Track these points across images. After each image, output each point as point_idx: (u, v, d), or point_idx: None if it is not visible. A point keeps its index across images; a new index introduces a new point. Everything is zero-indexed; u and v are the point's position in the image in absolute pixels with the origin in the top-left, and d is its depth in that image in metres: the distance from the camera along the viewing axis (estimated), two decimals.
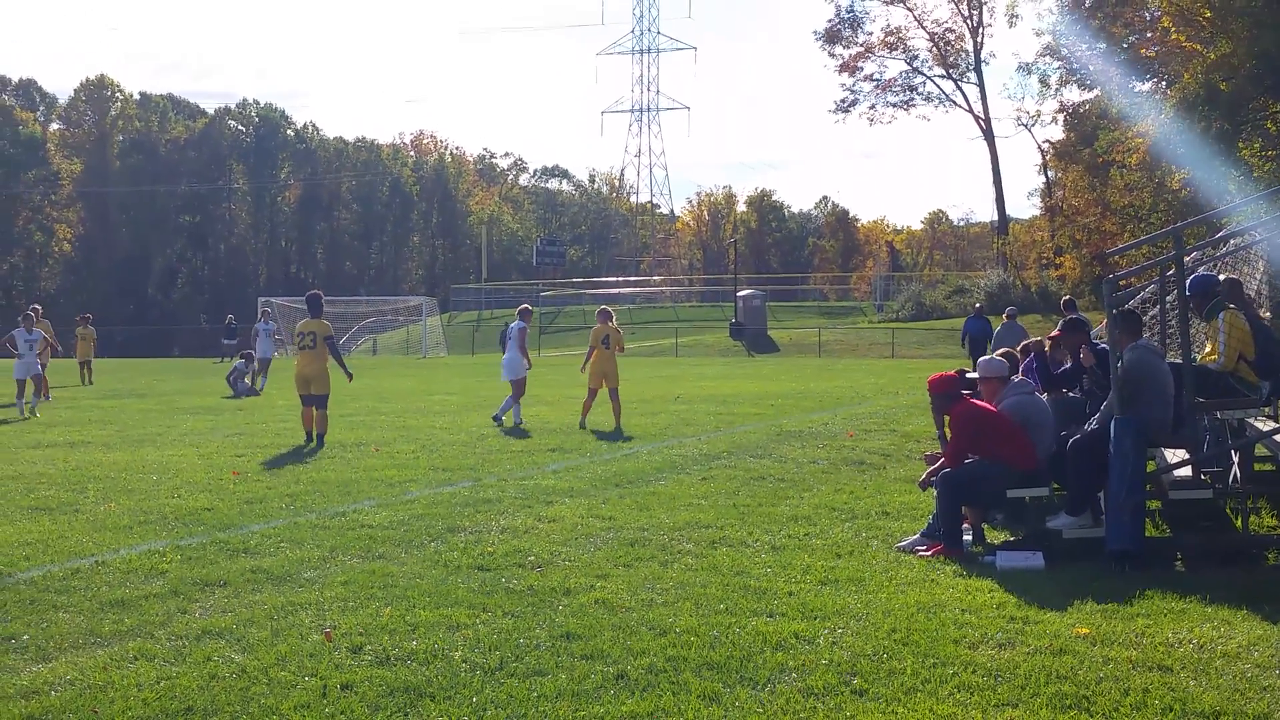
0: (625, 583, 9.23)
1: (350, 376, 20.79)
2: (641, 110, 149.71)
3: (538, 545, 10.70)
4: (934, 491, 10.90)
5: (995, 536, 11.32)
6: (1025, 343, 15.41)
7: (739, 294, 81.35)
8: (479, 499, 13.31)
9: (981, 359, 12.50)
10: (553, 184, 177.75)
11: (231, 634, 7.81)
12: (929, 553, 10.35)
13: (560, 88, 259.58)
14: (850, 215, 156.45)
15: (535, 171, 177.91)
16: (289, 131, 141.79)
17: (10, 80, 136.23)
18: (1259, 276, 15.79)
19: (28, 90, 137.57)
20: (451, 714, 6.32)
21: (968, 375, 13.10)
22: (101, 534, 11.32)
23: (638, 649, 7.42)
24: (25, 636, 7.73)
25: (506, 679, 6.89)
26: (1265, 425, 11.83)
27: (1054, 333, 13.97)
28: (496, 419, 22.13)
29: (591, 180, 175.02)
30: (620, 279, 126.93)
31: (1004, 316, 30.12)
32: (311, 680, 6.86)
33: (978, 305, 44.25)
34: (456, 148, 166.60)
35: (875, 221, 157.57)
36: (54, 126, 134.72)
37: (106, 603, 8.59)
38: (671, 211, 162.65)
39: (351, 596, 8.79)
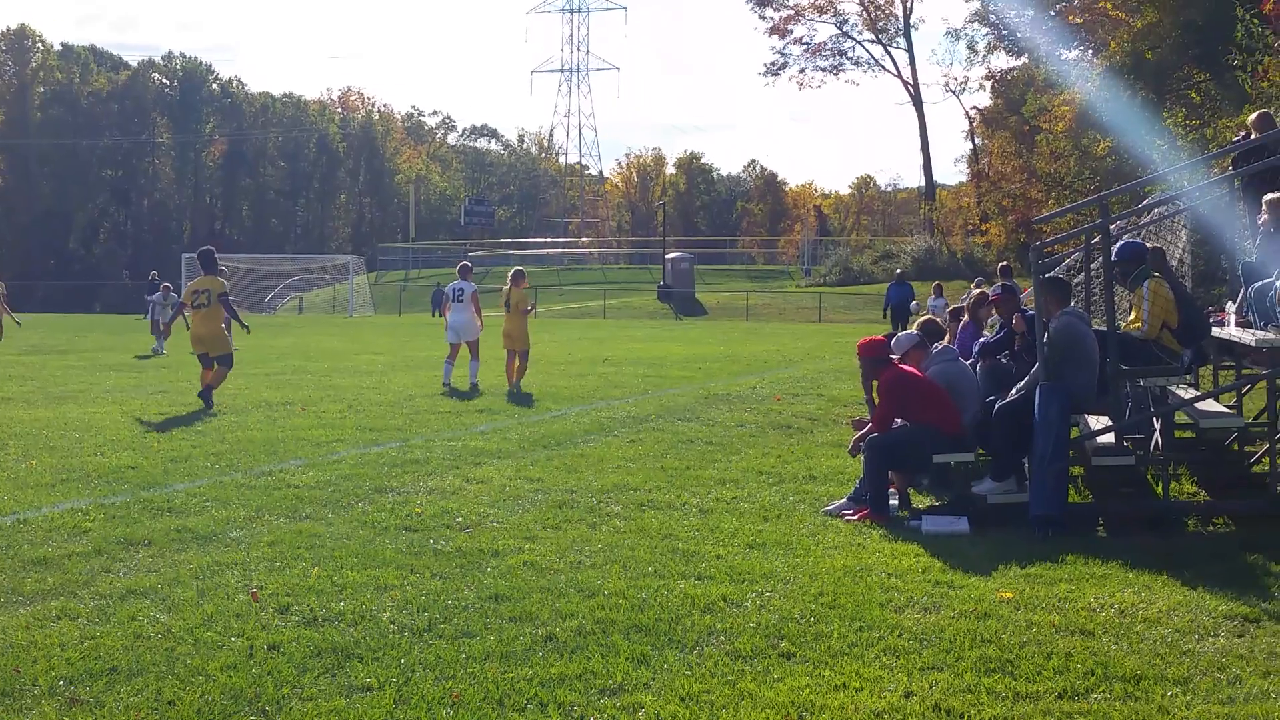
0: (553, 545, 9.23)
1: (247, 329, 20.59)
2: (571, 70, 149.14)
3: (465, 507, 10.68)
4: (862, 456, 10.97)
5: (921, 501, 11.40)
6: (957, 306, 15.51)
7: (667, 256, 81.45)
8: (407, 460, 13.26)
9: (897, 337, 12.52)
10: (481, 143, 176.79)
11: (156, 594, 7.75)
12: (855, 517, 10.43)
13: (489, 46, 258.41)
14: (779, 179, 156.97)
15: (464, 130, 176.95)
16: (214, 86, 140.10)
17: None
18: (1181, 245, 16.00)
19: None
20: (379, 675, 6.30)
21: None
22: (23, 491, 11.19)
23: (566, 611, 7.43)
24: None
25: (435, 640, 6.88)
26: (1186, 393, 12.00)
27: (993, 297, 14.05)
28: (474, 385, 21.56)
29: (520, 140, 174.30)
30: (548, 240, 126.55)
31: (932, 293, 30.38)
32: (238, 641, 6.82)
33: (899, 271, 44.51)
34: (384, 105, 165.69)
35: (804, 186, 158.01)
36: None
37: (28, 561, 8.50)
38: (600, 173, 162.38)
39: (278, 557, 8.74)
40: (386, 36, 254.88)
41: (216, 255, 20.10)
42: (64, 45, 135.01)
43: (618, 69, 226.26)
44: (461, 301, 22.43)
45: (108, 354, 30.67)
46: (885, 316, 36.77)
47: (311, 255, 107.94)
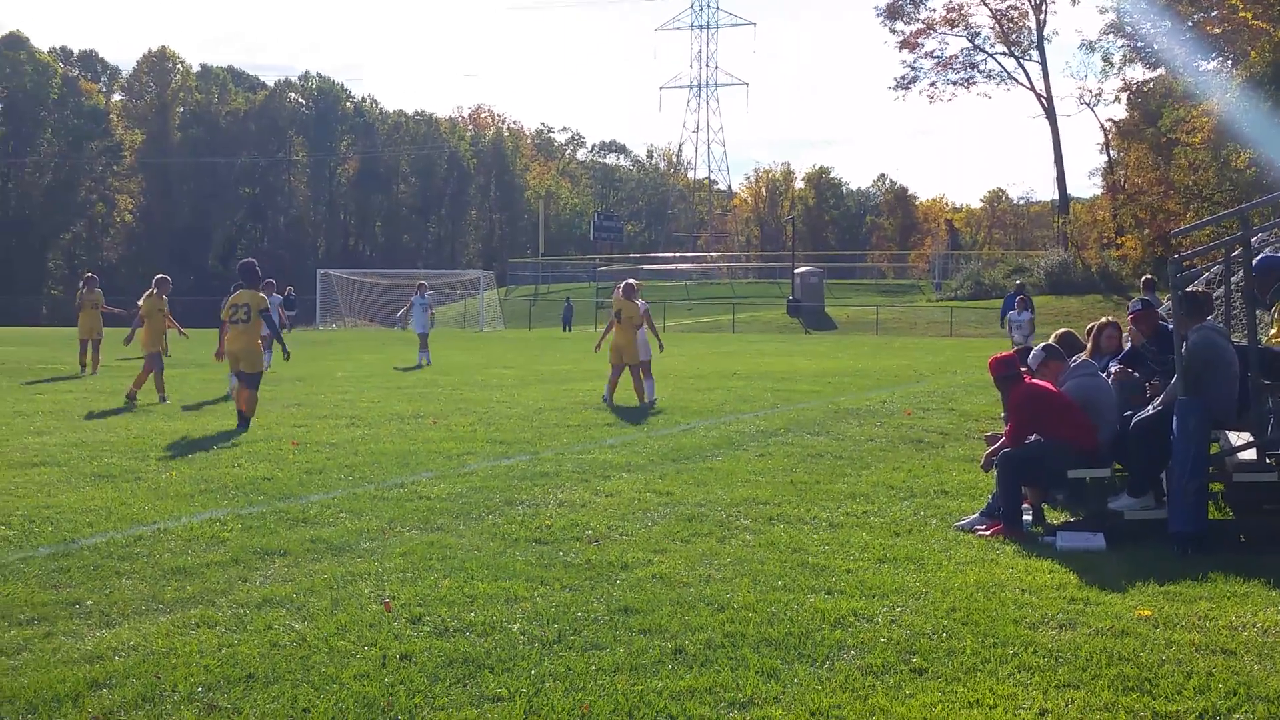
0: (683, 558, 9.22)
1: (287, 354, 19.42)
2: (700, 86, 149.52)
3: (595, 519, 10.71)
4: (995, 471, 10.83)
5: (1055, 517, 11.24)
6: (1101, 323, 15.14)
7: (796, 271, 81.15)
8: (536, 472, 13.33)
9: (1033, 351, 12.28)
10: (610, 159, 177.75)
11: (292, 603, 7.86)
12: (988, 532, 10.29)
13: (619, 63, 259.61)
14: (909, 193, 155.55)
15: (593, 146, 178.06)
16: (348, 104, 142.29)
17: (73, 51, 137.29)
18: None
19: (90, 61, 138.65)
20: (510, 686, 6.34)
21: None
22: (163, 501, 11.41)
23: (695, 624, 7.42)
24: (89, 602, 7.80)
25: (565, 652, 6.90)
26: None
27: (1132, 314, 13.73)
28: (651, 402, 21.20)
29: (649, 156, 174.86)
30: (677, 255, 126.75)
31: (1016, 307, 29.85)
32: (371, 650, 6.89)
33: (1019, 282, 43.80)
34: (514, 122, 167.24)
35: (934, 199, 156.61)
36: (116, 98, 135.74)
37: (169, 570, 8.66)
38: (729, 188, 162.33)
39: (410, 568, 8.83)
40: (517, 55, 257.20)
41: (258, 268, 19.16)
42: (203, 66, 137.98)
43: (746, 84, 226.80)
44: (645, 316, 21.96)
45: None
46: (1003, 326, 36.31)
47: (442, 270, 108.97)
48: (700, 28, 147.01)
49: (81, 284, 29.68)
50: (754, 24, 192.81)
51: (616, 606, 7.79)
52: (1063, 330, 13.66)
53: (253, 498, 11.69)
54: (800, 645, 7.03)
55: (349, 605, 7.81)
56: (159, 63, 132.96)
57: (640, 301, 22.06)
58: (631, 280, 22.51)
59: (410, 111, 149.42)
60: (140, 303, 23.41)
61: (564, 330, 72.10)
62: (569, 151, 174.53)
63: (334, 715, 5.93)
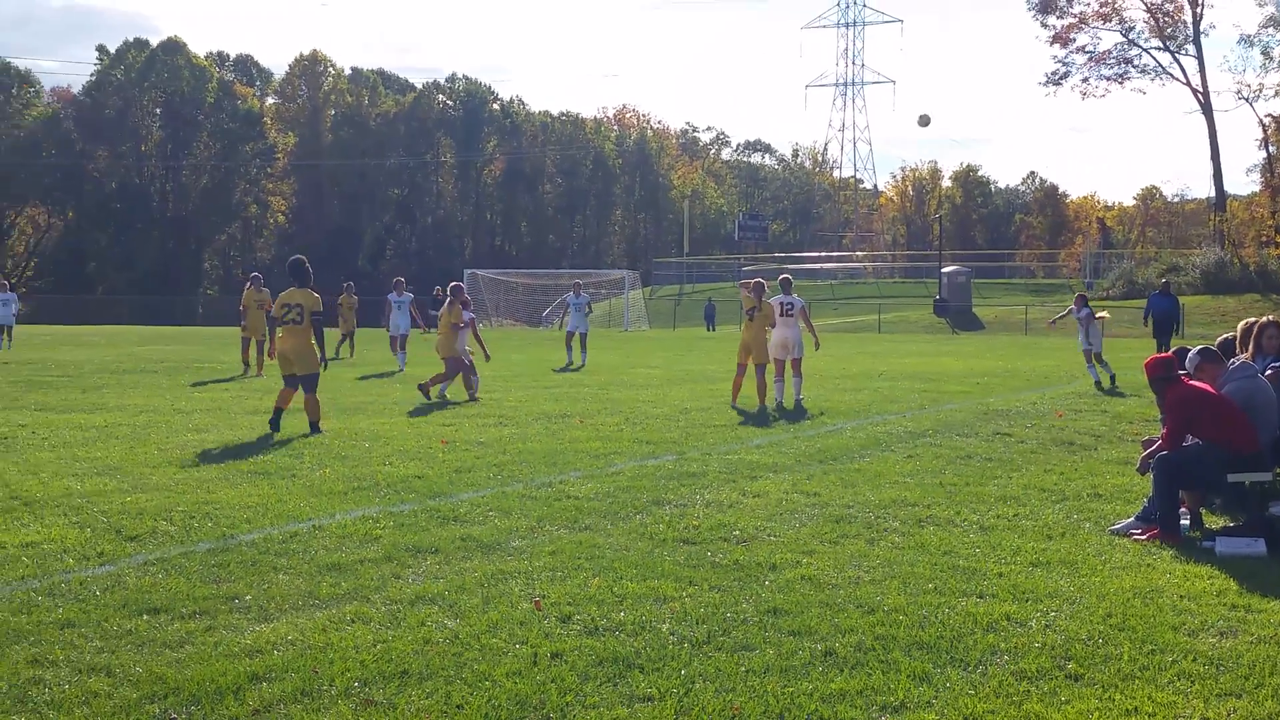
0: (831, 559, 9.18)
1: (325, 363, 18.33)
2: (846, 84, 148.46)
3: (742, 520, 10.70)
4: (1151, 475, 10.62)
5: (1214, 522, 10.99)
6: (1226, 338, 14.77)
7: (943, 270, 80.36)
8: (683, 472, 13.35)
9: (1190, 353, 12.00)
10: (755, 158, 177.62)
11: (444, 600, 7.96)
12: (1144, 537, 10.10)
13: (764, 61, 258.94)
14: (1059, 191, 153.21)
15: (738, 146, 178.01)
16: (494, 106, 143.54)
17: (229, 56, 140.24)
18: None
19: (245, 66, 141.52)
20: (660, 686, 6.36)
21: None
22: (317, 499, 11.61)
23: (845, 626, 7.38)
24: (248, 597, 7.96)
25: (714, 653, 6.90)
26: None
27: None
28: (799, 402, 21.05)
29: (794, 155, 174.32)
30: (822, 254, 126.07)
31: (1074, 304, 29.00)
32: (522, 648, 6.96)
33: (1164, 281, 42.83)
34: (659, 122, 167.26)
35: (1085, 197, 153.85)
36: (270, 101, 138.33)
37: (324, 566, 8.82)
38: (875, 187, 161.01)
39: (559, 566, 8.89)
40: (661, 54, 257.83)
41: (309, 266, 18.48)
42: (353, 69, 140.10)
43: (893, 82, 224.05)
44: (791, 316, 21.70)
45: (393, 366, 31.61)
46: (1145, 324, 35.59)
47: (588, 270, 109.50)
48: (847, 25, 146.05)
49: (248, 283, 29.93)
50: (901, 21, 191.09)
51: (765, 608, 7.78)
52: (1223, 336, 13.36)
53: (404, 495, 11.85)
54: (953, 649, 6.96)
55: (500, 603, 7.89)
56: (311, 66, 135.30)
57: (795, 298, 21.87)
58: (761, 280, 22.31)
59: (555, 112, 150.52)
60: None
61: (708, 329, 72.12)
62: (713, 151, 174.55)
63: (487, 712, 5.99)
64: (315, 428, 17.02)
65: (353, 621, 7.47)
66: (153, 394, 22.44)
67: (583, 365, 32.95)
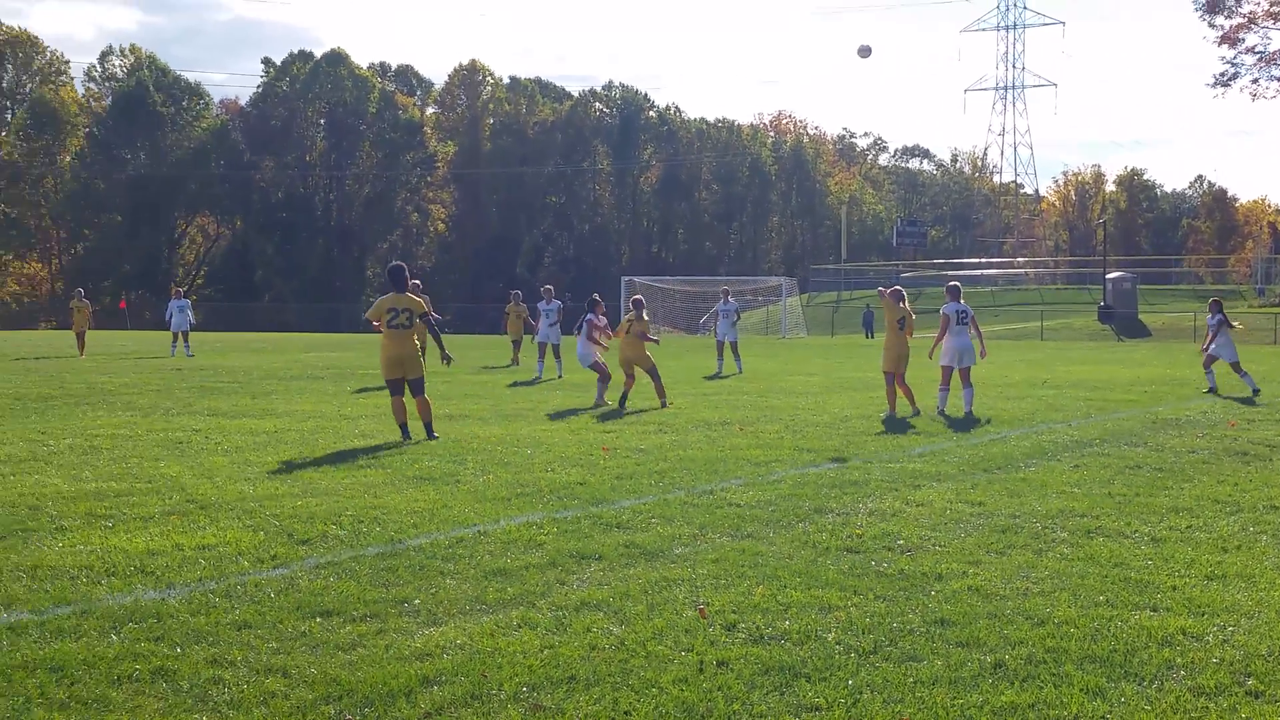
0: (998, 570, 9.06)
1: (448, 360, 18.77)
2: (1006, 88, 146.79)
3: (906, 529, 10.61)
4: None
5: None
6: None
7: (1108, 276, 78.97)
8: (845, 481, 13.27)
9: None
10: (913, 163, 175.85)
11: (609, 606, 8.00)
12: None
13: (922, 65, 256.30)
14: (1228, 194, 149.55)
15: (895, 151, 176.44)
16: (651, 113, 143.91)
17: (390, 67, 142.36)
18: None
19: (406, 76, 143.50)
20: (827, 695, 6.33)
21: None
22: (482, 505, 11.73)
23: (1015, 638, 7.28)
24: (416, 601, 8.08)
25: (881, 663, 6.85)
26: None
27: None
28: (969, 413, 20.44)
29: (953, 160, 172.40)
30: (982, 260, 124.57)
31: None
32: (688, 655, 6.97)
33: None
34: (815, 128, 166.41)
35: (1256, 201, 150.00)
36: (430, 110, 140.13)
37: (489, 571, 8.91)
38: (1036, 191, 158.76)
39: (723, 574, 8.89)
40: (818, 60, 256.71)
41: (408, 273, 18.12)
42: (511, 78, 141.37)
43: (1055, 85, 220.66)
44: (965, 324, 21.34)
45: (551, 373, 31.87)
46: None
47: (744, 277, 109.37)
48: (1007, 28, 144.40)
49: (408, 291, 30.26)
50: (1063, 23, 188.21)
51: (932, 618, 7.70)
52: None
53: (567, 502, 11.93)
54: (1126, 663, 6.83)
55: (664, 610, 7.91)
56: (470, 76, 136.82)
57: (967, 306, 21.53)
58: (899, 287, 22.06)
59: (712, 119, 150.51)
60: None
61: (866, 337, 71.65)
62: (871, 156, 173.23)
63: (655, 719, 6.01)
64: (431, 430, 17.13)
65: (519, 627, 7.54)
66: (319, 400, 22.89)
67: (738, 372, 32.88)
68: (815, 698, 6.30)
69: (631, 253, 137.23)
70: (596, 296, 24.74)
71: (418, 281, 30.85)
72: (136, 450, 15.37)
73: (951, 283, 22.40)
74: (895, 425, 18.99)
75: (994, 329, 72.48)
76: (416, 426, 17.23)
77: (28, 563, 8.99)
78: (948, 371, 21.16)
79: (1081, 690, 6.39)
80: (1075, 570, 9.06)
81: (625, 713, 6.09)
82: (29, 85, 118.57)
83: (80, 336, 41.17)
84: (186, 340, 41.40)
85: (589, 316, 23.75)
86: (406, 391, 17.24)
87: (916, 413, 20.45)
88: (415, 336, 17.55)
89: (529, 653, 6.99)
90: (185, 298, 44.35)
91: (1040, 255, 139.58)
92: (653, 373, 22.61)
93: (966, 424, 19.24)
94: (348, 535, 10.19)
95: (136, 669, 6.62)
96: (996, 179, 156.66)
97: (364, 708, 6.12)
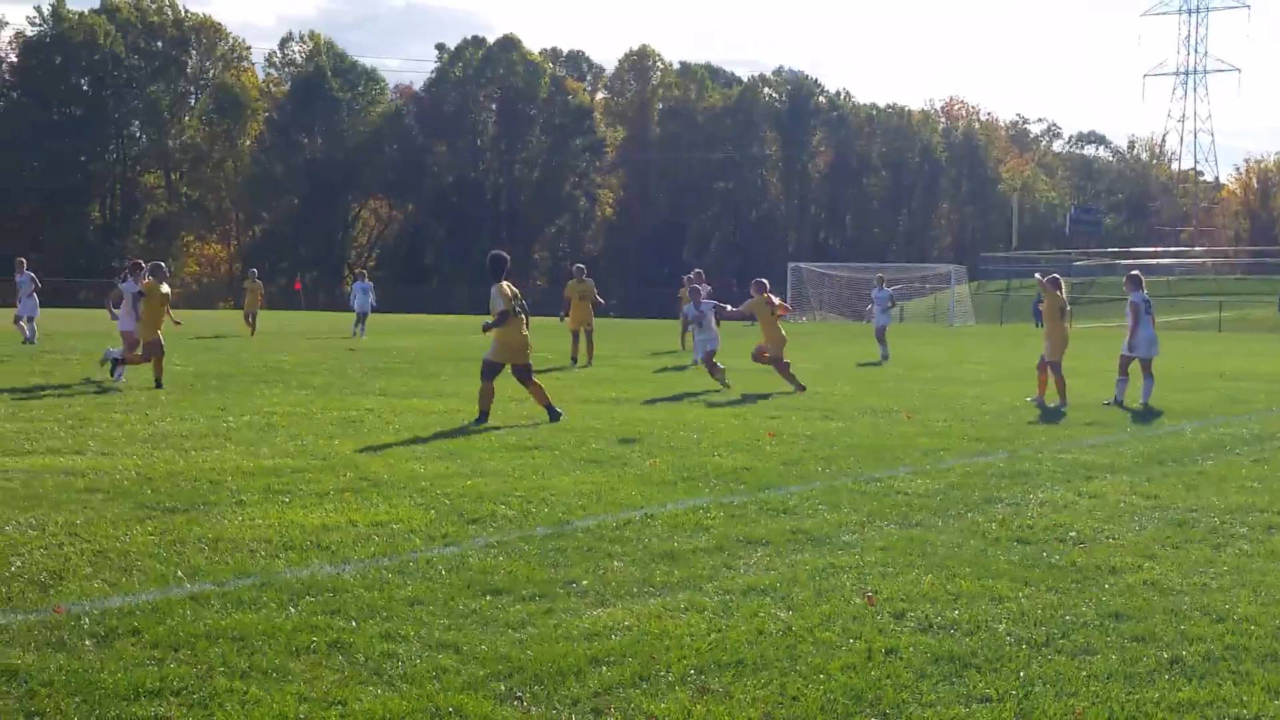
0: (1175, 565, 8.87)
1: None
2: (1187, 73, 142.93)
3: (1079, 521, 10.43)
4: None
5: None
6: None
7: None
8: (1015, 471, 13.10)
9: None
10: (1088, 150, 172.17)
11: (775, 592, 7.98)
12: None
13: (1099, 50, 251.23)
14: None
15: (1070, 138, 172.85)
16: (821, 98, 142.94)
17: (562, 53, 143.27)
18: None
19: (577, 61, 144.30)
20: (998, 686, 6.25)
21: None
22: (648, 488, 11.78)
23: (1192, 634, 7.12)
24: (585, 581, 8.14)
25: (1054, 655, 6.75)
26: None
27: None
28: (1145, 405, 20.21)
29: (1130, 147, 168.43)
30: (1159, 249, 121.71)
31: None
32: (856, 642, 6.93)
33: None
34: (988, 113, 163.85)
35: None
36: (600, 96, 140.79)
37: (656, 554, 8.94)
38: (1216, 179, 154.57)
39: (891, 562, 8.82)
40: (991, 45, 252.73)
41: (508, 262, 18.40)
42: (681, 63, 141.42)
43: (1238, 70, 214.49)
44: (1150, 315, 21.16)
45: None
46: None
47: (912, 264, 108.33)
48: (1189, 12, 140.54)
49: (572, 275, 30.24)
50: (1248, 6, 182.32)
51: (1106, 611, 7.57)
52: None
53: (733, 487, 11.94)
54: None
55: (832, 597, 7.87)
56: (640, 61, 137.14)
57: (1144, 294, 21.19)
58: (1056, 275, 21.66)
59: (883, 104, 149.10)
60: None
61: (1036, 325, 70.37)
62: (1044, 143, 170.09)
63: (823, 705, 5.98)
64: (554, 413, 17.13)
65: (686, 610, 7.56)
66: None
67: (882, 361, 32.53)
68: (986, 688, 6.22)
69: (799, 239, 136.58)
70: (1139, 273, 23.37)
71: (582, 266, 31.02)
72: (311, 428, 15.71)
73: (1133, 272, 21.94)
74: (1056, 415, 18.68)
75: (1170, 319, 70.90)
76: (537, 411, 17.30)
77: (209, 535, 9.24)
78: (1127, 361, 20.76)
79: (1263, 689, 6.23)
80: (1255, 567, 8.84)
81: (793, 698, 6.07)
82: (212, 71, 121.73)
83: (251, 316, 42.12)
84: (363, 323, 42.17)
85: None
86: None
87: (1065, 404, 20.10)
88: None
89: (696, 636, 7.01)
90: (369, 280, 45.02)
91: (1219, 245, 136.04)
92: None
93: (1144, 416, 18.87)
94: (516, 515, 10.30)
95: (313, 641, 6.77)
96: (1175, 166, 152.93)
97: (534, 685, 6.19)
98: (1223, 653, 6.80)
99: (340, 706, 5.86)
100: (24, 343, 31.54)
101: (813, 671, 6.44)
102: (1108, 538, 9.79)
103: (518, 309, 17.44)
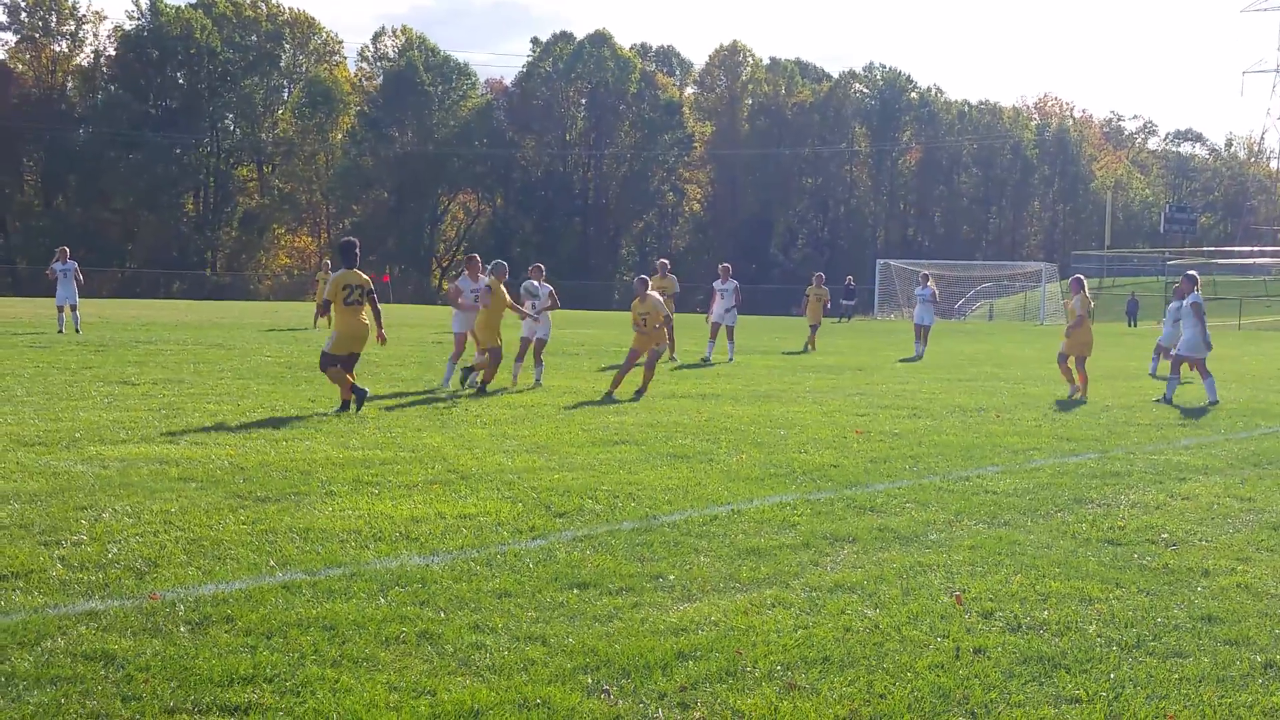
0: (1270, 568, 8.76)
1: (384, 339, 17.94)
2: None
3: (1170, 522, 10.32)
4: None
5: None
6: None
7: None
8: (1106, 471, 12.97)
9: None
10: (1185, 148, 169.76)
11: (862, 589, 7.96)
12: None
13: (1197, 47, 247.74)
14: None
15: (1166, 135, 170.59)
16: (912, 94, 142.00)
17: (651, 48, 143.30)
18: None
19: (667, 57, 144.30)
20: (1088, 688, 6.20)
21: None
22: (735, 484, 11.78)
23: None
24: (671, 576, 8.16)
25: (1145, 657, 6.69)
26: None
27: None
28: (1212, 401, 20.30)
29: (1228, 144, 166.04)
30: (1256, 249, 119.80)
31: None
32: (944, 641, 6.90)
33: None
34: (1081, 110, 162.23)
35: None
36: (689, 91, 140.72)
37: (743, 550, 8.94)
38: None
39: (979, 561, 8.77)
40: (1087, 41, 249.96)
41: (358, 248, 18.33)
42: (771, 59, 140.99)
43: None
44: (1202, 314, 21.29)
45: (807, 357, 31.81)
46: None
47: (1003, 262, 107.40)
48: None
49: (655, 270, 29.94)
50: None
51: (1198, 614, 7.49)
52: None
53: (820, 484, 11.90)
54: None
55: (919, 595, 7.84)
56: (730, 56, 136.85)
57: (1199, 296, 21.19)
58: (1079, 276, 22.10)
59: (974, 101, 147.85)
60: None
61: (1129, 325, 69.67)
62: (1139, 140, 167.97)
63: (910, 703, 5.97)
64: (360, 395, 16.80)
65: (773, 606, 7.55)
66: (574, 376, 23.23)
67: (916, 358, 32.29)
68: (1075, 690, 6.18)
69: (887, 235, 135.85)
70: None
71: (665, 261, 30.86)
72: (400, 420, 15.83)
73: (1189, 271, 21.84)
74: (1150, 416, 18.46)
75: (1265, 320, 69.86)
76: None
77: (300, 525, 9.34)
78: (1180, 361, 20.80)
79: None
80: None
81: (880, 695, 6.06)
82: (305, 65, 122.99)
83: (321, 307, 41.99)
84: None
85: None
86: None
87: (1083, 399, 20.70)
88: (364, 314, 17.19)
89: (783, 632, 7.01)
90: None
91: None
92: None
93: (1221, 415, 18.61)
94: (603, 509, 10.33)
95: (403, 631, 6.84)
96: (1273, 165, 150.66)
97: (621, 678, 6.22)
98: None
99: (429, 696, 5.92)
100: (59, 332, 31.24)
101: (900, 670, 6.42)
102: (1200, 540, 9.68)
103: (355, 299, 17.08)
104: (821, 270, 39.58)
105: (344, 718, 5.68)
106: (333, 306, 17.47)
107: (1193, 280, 21.24)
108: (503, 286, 20.17)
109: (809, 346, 34.73)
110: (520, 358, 21.45)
